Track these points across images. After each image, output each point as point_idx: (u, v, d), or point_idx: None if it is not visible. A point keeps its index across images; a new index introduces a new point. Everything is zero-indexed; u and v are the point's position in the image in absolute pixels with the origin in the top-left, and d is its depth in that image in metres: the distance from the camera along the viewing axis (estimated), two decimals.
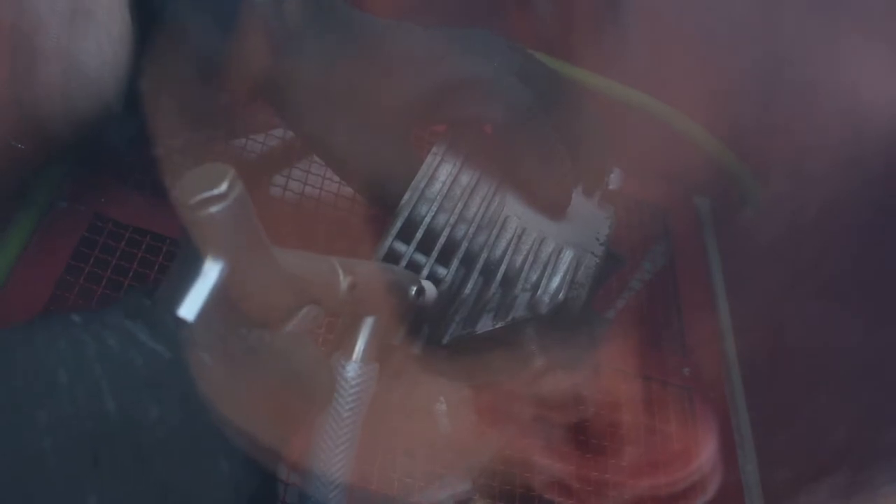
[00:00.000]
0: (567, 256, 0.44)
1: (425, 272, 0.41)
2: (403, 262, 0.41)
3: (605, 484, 0.50)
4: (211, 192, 0.25)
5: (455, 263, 0.42)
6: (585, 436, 0.53)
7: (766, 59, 0.59)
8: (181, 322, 0.26)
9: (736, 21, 0.59)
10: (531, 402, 0.43)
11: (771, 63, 0.59)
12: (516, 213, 0.44)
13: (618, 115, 0.65)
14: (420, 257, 0.42)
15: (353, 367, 0.35)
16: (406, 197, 0.42)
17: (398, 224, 0.42)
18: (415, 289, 0.38)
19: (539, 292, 0.42)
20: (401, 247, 0.42)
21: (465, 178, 0.44)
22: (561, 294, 0.42)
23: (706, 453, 0.51)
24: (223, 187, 0.25)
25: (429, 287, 0.39)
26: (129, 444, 0.24)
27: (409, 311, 0.39)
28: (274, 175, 0.59)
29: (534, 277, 0.43)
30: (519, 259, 0.43)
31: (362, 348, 0.35)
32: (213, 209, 0.25)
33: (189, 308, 0.26)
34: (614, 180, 0.48)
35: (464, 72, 0.42)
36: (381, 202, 0.44)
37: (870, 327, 0.50)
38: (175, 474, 0.25)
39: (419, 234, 0.42)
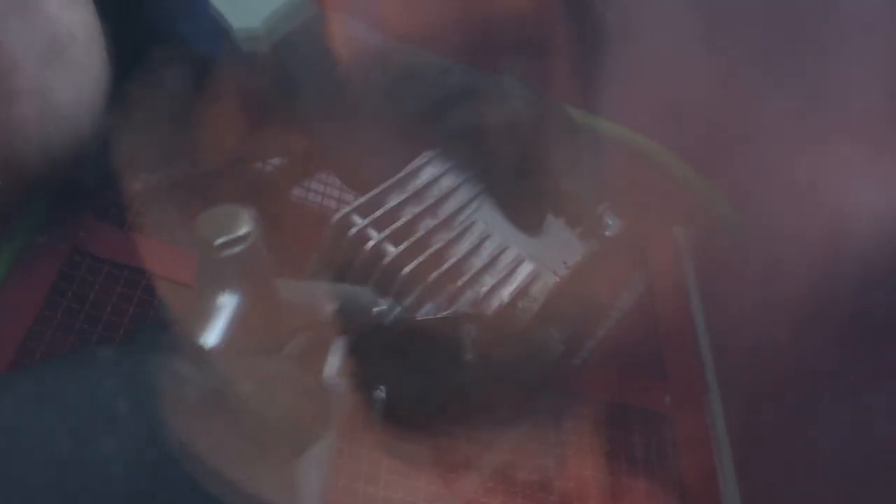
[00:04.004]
0: (526, 268, 0.45)
1: (370, 244, 0.43)
2: (353, 230, 0.43)
3: None
4: (234, 234, 0.29)
5: (405, 245, 0.43)
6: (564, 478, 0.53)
7: (751, 100, 0.60)
8: (209, 351, 0.29)
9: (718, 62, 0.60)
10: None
11: (756, 106, 0.60)
12: (487, 219, 0.46)
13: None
14: (374, 233, 0.43)
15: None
16: (384, 184, 0.44)
17: (361, 200, 0.44)
18: (377, 309, 0.41)
19: (487, 293, 0.44)
20: (357, 220, 0.43)
21: (446, 182, 0.46)
22: (508, 300, 0.44)
23: (687, 482, 0.51)
24: (245, 230, 0.29)
25: (388, 306, 0.42)
26: (187, 471, 0.26)
27: (367, 327, 0.41)
28: (274, 197, 0.60)
29: (487, 279, 0.44)
30: (477, 261, 0.45)
31: (337, 366, 0.37)
32: (236, 249, 0.29)
33: (213, 337, 0.29)
34: (612, 228, 0.50)
35: (469, 83, 0.44)
36: None
37: (848, 353, 0.50)
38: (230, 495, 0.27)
39: (378, 213, 0.44)
